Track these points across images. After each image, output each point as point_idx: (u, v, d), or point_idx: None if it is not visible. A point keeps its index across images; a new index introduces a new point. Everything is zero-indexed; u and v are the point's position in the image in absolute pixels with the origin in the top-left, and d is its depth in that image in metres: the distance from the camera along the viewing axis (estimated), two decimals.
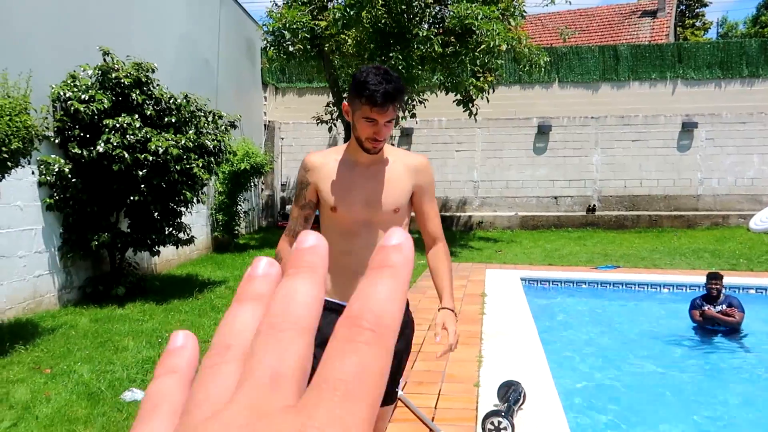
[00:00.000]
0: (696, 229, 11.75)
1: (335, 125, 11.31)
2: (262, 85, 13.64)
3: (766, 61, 12.81)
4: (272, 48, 10.34)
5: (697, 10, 31.09)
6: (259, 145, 12.45)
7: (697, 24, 30.90)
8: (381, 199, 1.89)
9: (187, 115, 6.11)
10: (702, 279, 6.90)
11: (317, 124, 11.40)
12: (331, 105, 11.09)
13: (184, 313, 5.53)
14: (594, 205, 12.80)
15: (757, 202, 12.29)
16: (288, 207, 13.69)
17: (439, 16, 9.85)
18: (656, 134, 12.74)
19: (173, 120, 5.95)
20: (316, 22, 9.61)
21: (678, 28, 26.70)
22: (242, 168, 9.39)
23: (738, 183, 12.57)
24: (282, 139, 13.82)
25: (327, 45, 9.86)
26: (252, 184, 10.44)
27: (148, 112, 5.80)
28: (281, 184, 13.88)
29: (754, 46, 12.99)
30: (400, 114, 11.26)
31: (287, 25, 9.47)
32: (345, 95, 10.62)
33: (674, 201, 12.74)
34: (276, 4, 10.69)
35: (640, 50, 13.38)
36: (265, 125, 13.53)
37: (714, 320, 5.46)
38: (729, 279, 6.17)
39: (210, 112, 6.48)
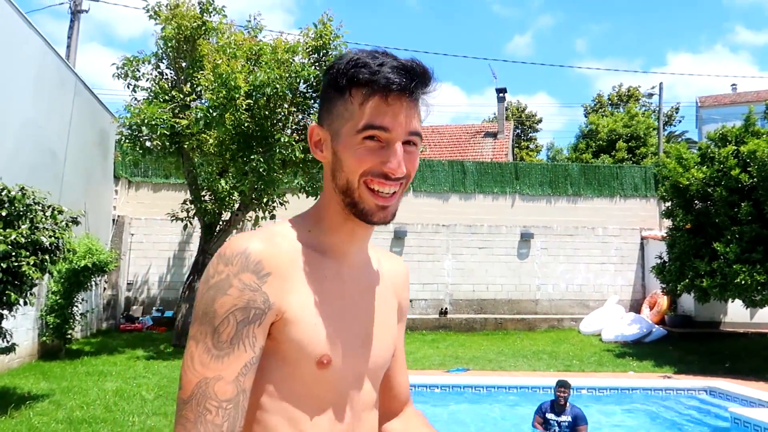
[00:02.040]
0: (536, 332, 12.68)
1: (191, 222, 10.96)
2: (114, 178, 12.98)
3: (586, 183, 14.80)
4: (128, 142, 10.00)
5: (531, 134, 35.52)
6: (105, 242, 11.63)
7: (531, 146, 35.17)
8: (380, 334, 1.02)
9: (21, 209, 5.59)
10: (542, 380, 7.40)
11: (172, 221, 10.96)
12: (188, 202, 10.78)
13: None
14: (446, 309, 13.40)
15: (585, 306, 13.66)
16: (135, 307, 12.66)
17: (301, 124, 10.24)
18: (499, 242, 13.90)
19: (3, 213, 5.42)
20: (177, 120, 9.52)
21: (515, 149, 30.15)
22: (83, 265, 8.64)
23: (569, 288, 13.94)
24: (132, 234, 13.05)
25: (187, 143, 9.75)
26: (93, 283, 9.60)
27: None
28: (127, 283, 12.90)
29: (575, 169, 14.99)
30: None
31: (146, 120, 9.26)
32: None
33: (516, 305, 13.75)
34: (135, 99, 10.48)
35: (483, 166, 14.83)
36: (114, 220, 12.73)
37: None
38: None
39: (49, 207, 5.99)
